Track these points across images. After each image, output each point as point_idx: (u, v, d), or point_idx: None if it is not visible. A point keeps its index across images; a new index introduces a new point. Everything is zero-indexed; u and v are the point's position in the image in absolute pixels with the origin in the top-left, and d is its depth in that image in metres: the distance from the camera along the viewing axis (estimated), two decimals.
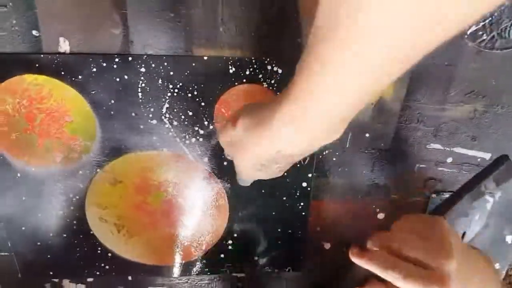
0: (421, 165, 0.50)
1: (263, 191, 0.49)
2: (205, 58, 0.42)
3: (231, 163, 0.41)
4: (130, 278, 0.53)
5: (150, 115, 0.44)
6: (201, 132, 0.45)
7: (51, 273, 0.51)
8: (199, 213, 0.49)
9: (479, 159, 0.50)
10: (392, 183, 0.51)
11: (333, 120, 0.26)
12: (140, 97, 0.43)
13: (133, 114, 0.44)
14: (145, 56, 0.41)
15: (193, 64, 0.42)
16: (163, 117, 0.44)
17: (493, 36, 0.43)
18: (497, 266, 0.57)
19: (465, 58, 0.44)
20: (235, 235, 0.51)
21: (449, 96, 0.46)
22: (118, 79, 0.42)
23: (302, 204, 0.50)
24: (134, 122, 0.44)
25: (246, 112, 0.32)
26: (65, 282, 0.52)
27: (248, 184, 0.44)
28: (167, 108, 0.44)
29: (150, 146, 0.45)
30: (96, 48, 0.41)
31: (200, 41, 0.42)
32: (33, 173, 0.45)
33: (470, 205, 0.50)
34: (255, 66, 0.43)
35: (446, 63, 0.44)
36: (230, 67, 0.43)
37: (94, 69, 0.41)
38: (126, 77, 0.42)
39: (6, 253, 0.49)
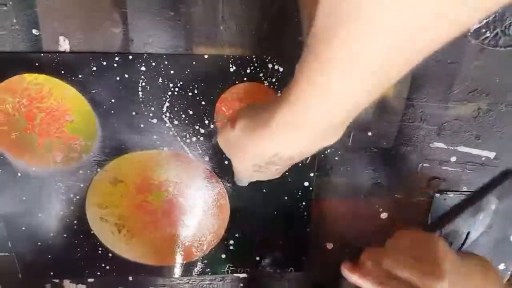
0: (424, 164, 0.49)
1: (264, 190, 0.48)
2: (206, 56, 0.42)
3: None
4: (131, 278, 0.53)
5: (151, 114, 0.44)
6: (202, 131, 0.45)
7: (51, 273, 0.51)
8: (200, 212, 0.49)
9: (483, 158, 0.49)
10: (395, 182, 0.50)
11: (333, 122, 0.26)
12: (141, 96, 0.43)
13: (133, 113, 0.43)
14: (145, 54, 0.41)
15: (194, 63, 0.42)
16: (163, 116, 0.44)
17: (497, 34, 0.43)
18: (502, 266, 0.56)
19: (468, 55, 0.44)
20: (237, 235, 0.51)
21: (452, 95, 0.46)
22: (118, 78, 0.42)
23: (304, 203, 0.50)
24: (134, 121, 0.44)
25: (245, 114, 0.32)
26: (66, 282, 0.52)
27: (245, 184, 0.44)
28: (167, 107, 0.44)
29: (150, 145, 0.45)
30: (96, 47, 0.41)
31: (200, 40, 0.41)
32: (33, 173, 0.45)
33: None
34: (255, 64, 0.42)
35: (449, 61, 0.44)
36: (230, 65, 0.42)
37: (94, 68, 0.41)
38: (126, 76, 0.42)
39: (6, 253, 0.49)
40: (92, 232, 0.49)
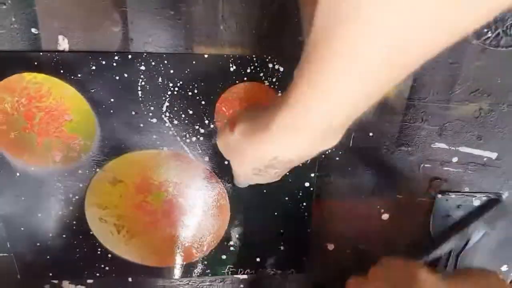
0: (426, 165, 0.49)
1: (265, 191, 0.48)
2: (206, 56, 0.42)
3: None
4: (130, 279, 0.52)
5: (150, 114, 0.43)
6: (202, 131, 0.45)
7: (50, 274, 0.51)
8: (200, 213, 0.49)
9: (485, 159, 0.49)
10: (397, 183, 0.50)
11: (332, 125, 0.25)
12: (140, 95, 0.43)
13: (133, 112, 0.43)
14: (145, 54, 0.41)
15: (194, 62, 0.42)
16: (163, 115, 0.44)
17: (498, 34, 0.43)
18: (504, 268, 0.56)
19: (469, 56, 0.44)
20: (237, 236, 0.51)
21: (454, 95, 0.46)
22: (117, 77, 0.42)
23: (304, 204, 0.49)
24: (134, 120, 0.44)
25: (244, 117, 0.32)
26: (65, 283, 0.52)
27: (245, 186, 0.44)
28: (167, 106, 0.43)
29: (150, 145, 0.45)
30: (95, 46, 0.41)
31: (200, 39, 0.41)
32: (32, 173, 0.45)
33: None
34: (256, 64, 0.42)
35: (450, 61, 0.44)
36: (230, 65, 0.42)
37: (94, 67, 0.41)
38: (125, 75, 0.42)
39: (5, 254, 0.49)
40: (91, 232, 0.48)
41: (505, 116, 0.47)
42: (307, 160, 0.46)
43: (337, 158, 0.48)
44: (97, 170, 0.46)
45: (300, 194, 0.49)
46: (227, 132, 0.33)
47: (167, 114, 0.44)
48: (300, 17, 0.41)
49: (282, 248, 0.52)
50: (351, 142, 0.47)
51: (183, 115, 0.44)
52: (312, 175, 0.48)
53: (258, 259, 0.52)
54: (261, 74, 0.43)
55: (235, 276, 0.54)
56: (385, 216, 0.52)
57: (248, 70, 0.42)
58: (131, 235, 0.49)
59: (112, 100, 0.42)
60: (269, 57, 0.42)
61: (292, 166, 0.32)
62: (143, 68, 0.41)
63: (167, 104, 0.43)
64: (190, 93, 0.43)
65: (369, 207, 0.51)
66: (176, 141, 0.45)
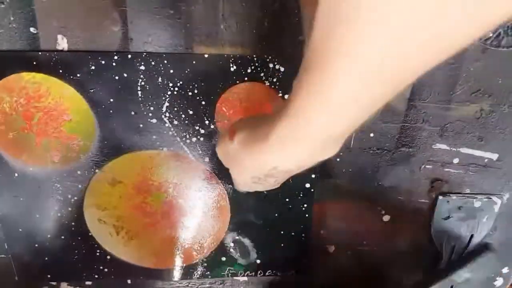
0: (427, 166, 0.49)
1: (265, 192, 0.48)
2: (206, 56, 0.41)
3: None
4: (129, 281, 0.52)
5: (150, 114, 0.43)
6: (202, 131, 0.45)
7: (48, 276, 0.50)
8: (200, 214, 0.49)
9: (486, 160, 0.49)
10: (398, 184, 0.50)
11: (332, 134, 0.25)
12: (140, 95, 0.42)
13: (132, 112, 0.43)
14: (145, 53, 0.41)
15: (194, 62, 0.42)
16: (163, 116, 0.43)
17: (499, 34, 0.43)
18: (505, 270, 0.56)
19: (470, 56, 0.44)
20: (237, 237, 0.50)
21: (455, 95, 0.45)
22: (117, 77, 0.41)
23: (305, 205, 0.49)
24: (133, 121, 0.43)
25: (244, 126, 0.32)
26: (63, 285, 0.51)
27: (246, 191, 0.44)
28: (167, 106, 0.43)
29: (150, 146, 0.45)
30: (94, 45, 0.40)
31: (200, 39, 0.41)
32: (31, 173, 0.44)
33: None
34: (256, 64, 0.42)
35: (451, 62, 0.44)
36: (231, 65, 0.42)
37: (93, 67, 0.41)
38: (125, 75, 0.41)
39: (2, 255, 0.49)
40: (90, 234, 0.48)
41: (506, 117, 0.47)
42: None
43: (338, 159, 0.48)
44: (96, 170, 0.45)
45: (301, 195, 0.49)
46: (226, 141, 0.33)
47: (167, 114, 0.43)
48: (300, 17, 0.41)
49: (282, 249, 0.52)
50: (351, 143, 0.47)
51: (183, 115, 0.44)
52: (313, 176, 0.48)
53: (258, 261, 0.52)
54: (262, 74, 0.43)
55: (235, 278, 0.53)
56: (386, 218, 0.51)
57: (249, 70, 0.42)
58: (131, 236, 0.49)
59: (111, 100, 0.42)
60: (270, 57, 0.42)
61: (292, 174, 0.32)
62: (142, 68, 0.41)
63: (167, 104, 0.43)
64: (190, 93, 0.43)
65: (369, 209, 0.51)
66: (176, 142, 0.45)
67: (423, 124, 0.47)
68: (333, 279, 0.54)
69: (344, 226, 0.51)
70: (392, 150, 0.48)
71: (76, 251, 0.49)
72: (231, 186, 0.47)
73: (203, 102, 0.43)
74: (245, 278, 0.54)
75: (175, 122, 0.44)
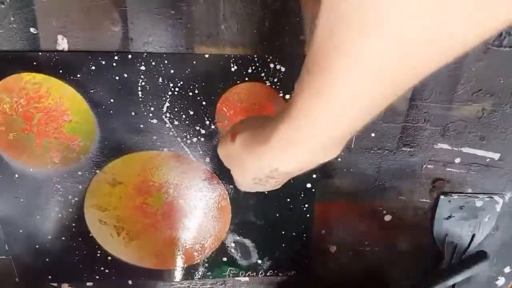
0: (428, 166, 0.49)
1: (266, 192, 0.48)
2: (207, 56, 0.41)
3: None
4: (130, 282, 0.52)
5: (150, 114, 0.43)
6: (203, 131, 0.44)
7: (49, 277, 0.50)
8: (201, 215, 0.48)
9: (488, 160, 0.49)
10: (399, 184, 0.49)
11: (334, 136, 0.25)
12: (140, 95, 0.42)
13: (133, 113, 0.43)
14: (145, 54, 0.41)
15: (194, 62, 0.41)
16: (163, 116, 0.43)
17: (501, 34, 0.42)
18: (507, 269, 0.56)
19: (472, 56, 0.43)
20: (238, 238, 0.50)
21: (456, 95, 0.45)
22: (117, 78, 0.41)
23: (306, 205, 0.49)
24: (134, 121, 0.43)
25: (245, 127, 0.32)
26: (64, 286, 0.51)
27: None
28: (167, 107, 0.43)
29: (150, 146, 0.45)
30: (95, 45, 0.40)
31: (201, 39, 0.41)
32: (31, 174, 0.44)
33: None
34: (257, 64, 0.42)
35: (452, 61, 0.43)
36: (232, 65, 0.42)
37: (93, 67, 0.41)
38: (125, 75, 0.41)
39: (3, 256, 0.48)
40: (90, 234, 0.48)
41: (508, 116, 0.46)
42: None
43: (339, 159, 0.47)
44: (97, 171, 0.45)
45: (302, 195, 0.48)
46: (228, 142, 0.33)
47: (168, 114, 0.43)
48: (301, 16, 0.41)
49: (283, 250, 0.52)
50: (353, 142, 0.47)
51: (183, 116, 0.43)
52: (314, 176, 0.48)
53: (259, 261, 0.52)
54: (263, 74, 0.42)
55: (236, 278, 0.53)
56: (388, 218, 0.51)
57: (249, 70, 0.42)
58: (131, 237, 0.49)
59: (112, 100, 0.42)
60: (271, 57, 0.42)
61: (293, 176, 0.32)
62: (143, 68, 0.41)
63: (167, 104, 0.43)
64: (190, 94, 0.43)
65: (371, 208, 0.51)
66: (176, 142, 0.45)
67: (425, 124, 0.46)
68: (335, 279, 0.54)
69: (345, 226, 0.51)
70: (393, 150, 0.48)
71: (77, 252, 0.49)
72: (232, 186, 0.47)
73: (204, 102, 0.43)
74: (246, 279, 0.53)
75: (176, 123, 0.44)
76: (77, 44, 0.40)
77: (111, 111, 0.43)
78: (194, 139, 0.45)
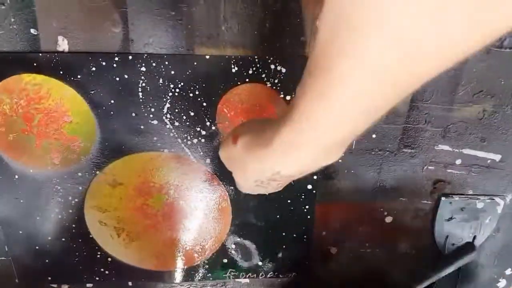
0: (429, 167, 0.49)
1: (267, 194, 0.48)
2: (207, 57, 0.41)
3: None
4: (130, 283, 0.52)
5: (151, 115, 0.43)
6: (203, 132, 0.44)
7: (49, 278, 0.50)
8: (201, 216, 0.48)
9: (488, 161, 0.49)
10: (400, 185, 0.49)
11: (335, 140, 0.25)
12: (141, 97, 0.42)
13: (133, 114, 0.43)
14: (146, 55, 0.41)
15: (195, 63, 0.41)
16: (164, 117, 0.43)
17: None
18: (508, 271, 0.55)
19: (473, 57, 0.43)
20: (239, 239, 0.50)
21: (457, 96, 0.45)
22: (118, 79, 0.41)
23: (307, 207, 0.49)
24: (134, 122, 0.43)
25: (247, 130, 0.32)
26: (64, 287, 0.51)
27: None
28: (168, 108, 0.43)
29: (150, 147, 0.44)
30: (95, 46, 0.40)
31: (201, 40, 0.41)
32: (31, 175, 0.44)
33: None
34: (258, 65, 0.42)
35: None
36: (232, 66, 0.42)
37: (94, 68, 0.40)
38: (126, 76, 0.41)
39: (3, 257, 0.48)
40: (90, 235, 0.48)
41: (509, 117, 0.46)
42: None
43: (340, 160, 0.47)
44: (97, 172, 0.45)
45: (303, 196, 0.48)
46: (229, 145, 0.33)
47: (168, 115, 0.43)
48: (302, 17, 0.41)
49: (284, 251, 0.51)
50: (353, 144, 0.47)
51: (184, 117, 0.43)
52: (315, 177, 0.47)
53: (260, 263, 0.52)
54: (263, 75, 0.42)
55: (236, 280, 0.53)
56: (389, 219, 0.51)
57: (250, 71, 0.42)
58: (131, 238, 0.49)
59: (112, 101, 0.42)
60: (271, 58, 0.42)
61: (295, 179, 0.32)
62: (143, 69, 0.41)
63: (168, 105, 0.43)
64: (191, 95, 0.42)
65: (372, 210, 0.50)
66: (177, 143, 0.45)
67: (426, 125, 0.46)
68: (335, 280, 0.54)
69: (346, 227, 0.51)
70: (394, 151, 0.48)
71: (77, 253, 0.49)
72: (232, 187, 0.47)
73: (204, 104, 0.43)
74: (247, 280, 0.53)
75: (176, 124, 0.44)
76: (78, 45, 0.40)
77: (112, 112, 0.42)
78: (195, 140, 0.45)
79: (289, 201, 0.48)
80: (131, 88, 0.42)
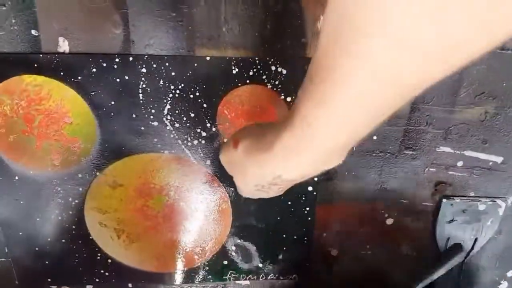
0: (430, 169, 0.48)
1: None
2: (208, 58, 0.41)
3: None
4: (130, 285, 0.52)
5: (151, 117, 0.43)
6: (204, 134, 0.44)
7: (49, 279, 0.50)
8: (201, 218, 0.48)
9: (490, 163, 0.48)
10: (401, 187, 0.49)
11: (336, 145, 0.25)
12: (141, 98, 0.42)
13: (133, 115, 0.43)
14: (146, 56, 0.41)
15: (195, 65, 0.41)
16: (164, 118, 0.43)
17: None
18: (510, 273, 0.55)
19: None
20: (239, 241, 0.50)
21: (459, 98, 0.45)
22: (118, 80, 0.41)
23: (307, 209, 0.49)
24: (134, 123, 0.43)
25: (247, 135, 0.32)
26: None
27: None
28: (168, 109, 0.43)
29: (151, 149, 0.44)
30: (96, 48, 0.40)
31: (202, 41, 0.41)
32: (31, 176, 0.44)
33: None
34: (258, 66, 0.42)
35: None
36: (233, 67, 0.42)
37: (94, 70, 0.40)
38: (126, 77, 0.41)
39: (3, 259, 0.48)
40: (91, 237, 0.48)
41: (511, 119, 0.46)
42: None
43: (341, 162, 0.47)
44: (97, 173, 0.45)
45: (303, 198, 0.48)
46: (230, 149, 0.33)
47: (169, 117, 0.43)
48: (302, 19, 0.41)
49: (284, 253, 0.51)
50: (354, 146, 0.46)
51: (184, 118, 0.43)
52: (316, 179, 0.47)
53: (260, 265, 0.52)
54: (264, 77, 0.42)
55: (237, 282, 0.53)
56: (389, 221, 0.51)
57: (251, 73, 0.42)
58: (132, 240, 0.48)
59: (112, 102, 0.42)
60: (272, 59, 0.42)
61: (296, 183, 0.32)
62: (144, 70, 0.41)
63: (168, 107, 0.43)
64: (191, 96, 0.42)
65: (373, 212, 0.50)
66: (177, 144, 0.44)
67: (427, 127, 0.46)
68: (336, 282, 0.54)
69: (347, 229, 0.51)
70: (395, 153, 0.47)
71: (77, 255, 0.49)
72: (233, 189, 0.47)
73: (205, 105, 0.43)
74: (247, 282, 0.53)
75: (177, 125, 0.44)
76: (78, 46, 0.40)
77: (112, 113, 0.42)
78: (195, 142, 0.44)
79: (289, 202, 0.48)
80: (131, 89, 0.42)
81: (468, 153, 0.48)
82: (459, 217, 0.51)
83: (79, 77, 0.41)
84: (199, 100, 0.43)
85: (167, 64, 0.41)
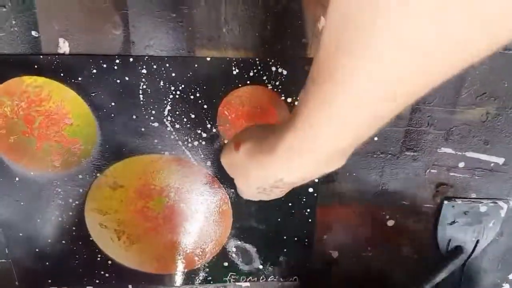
0: (432, 170, 0.48)
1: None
2: (208, 59, 0.41)
3: None
4: (130, 286, 0.51)
5: (152, 118, 0.43)
6: (204, 135, 0.44)
7: (49, 280, 0.50)
8: (202, 219, 0.48)
9: (492, 164, 0.48)
10: (402, 188, 0.49)
11: (338, 147, 0.25)
12: (141, 99, 0.42)
13: (134, 116, 0.43)
14: (147, 57, 0.40)
15: (196, 65, 0.41)
16: (164, 119, 0.43)
17: None
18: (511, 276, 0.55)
19: None
20: (239, 242, 0.50)
21: (460, 99, 0.45)
22: (118, 81, 0.41)
23: (308, 210, 0.49)
24: (135, 124, 0.43)
25: (249, 137, 0.32)
26: None
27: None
28: (169, 110, 0.43)
29: (151, 150, 0.44)
30: (96, 49, 0.40)
31: (202, 42, 0.41)
32: (32, 177, 0.44)
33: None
34: (259, 67, 0.42)
35: None
36: (233, 68, 0.42)
37: (94, 71, 0.40)
38: (127, 78, 0.41)
39: (3, 260, 0.48)
40: (91, 238, 0.48)
41: None
42: None
43: None
44: (98, 174, 0.45)
45: (304, 199, 0.48)
46: (231, 151, 0.33)
47: (169, 118, 0.43)
48: (303, 19, 0.41)
49: (285, 255, 0.51)
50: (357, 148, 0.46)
51: (185, 119, 0.43)
52: (316, 180, 0.47)
53: (260, 266, 0.51)
54: (264, 77, 0.42)
55: (237, 283, 0.53)
56: (391, 223, 0.51)
57: (251, 73, 0.42)
58: (132, 241, 0.48)
59: (113, 103, 0.42)
60: (272, 60, 0.42)
61: (297, 185, 0.32)
62: (144, 71, 0.41)
63: (168, 108, 0.43)
64: (192, 97, 0.42)
65: (374, 213, 0.50)
66: (177, 146, 0.44)
67: (428, 128, 0.46)
68: (337, 284, 0.54)
69: (348, 231, 0.51)
70: (396, 154, 0.47)
71: (77, 256, 0.49)
72: (233, 190, 0.47)
73: (205, 106, 0.43)
74: (248, 284, 0.53)
75: (177, 126, 0.44)
76: (79, 47, 0.40)
77: (112, 115, 0.42)
78: (196, 143, 0.44)
79: (290, 204, 0.48)
80: (131, 90, 0.42)
81: (470, 154, 0.48)
82: (461, 218, 0.50)
83: (80, 78, 0.41)
84: (200, 101, 0.43)
85: (167, 65, 0.41)
